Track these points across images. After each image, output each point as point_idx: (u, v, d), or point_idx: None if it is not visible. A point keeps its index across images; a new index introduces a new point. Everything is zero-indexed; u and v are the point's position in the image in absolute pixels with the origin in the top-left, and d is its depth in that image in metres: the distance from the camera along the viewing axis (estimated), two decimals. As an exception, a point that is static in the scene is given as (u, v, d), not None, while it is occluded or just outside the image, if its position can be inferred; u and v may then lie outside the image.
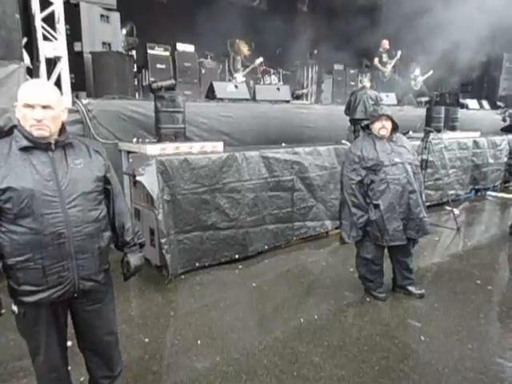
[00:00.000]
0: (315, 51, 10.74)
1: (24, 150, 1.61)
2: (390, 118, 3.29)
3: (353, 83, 10.10)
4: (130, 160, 4.20)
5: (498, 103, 10.16)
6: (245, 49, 7.60)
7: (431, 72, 9.79)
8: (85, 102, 4.46)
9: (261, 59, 7.71)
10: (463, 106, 9.15)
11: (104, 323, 1.93)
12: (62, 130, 1.72)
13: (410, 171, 3.31)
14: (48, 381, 1.85)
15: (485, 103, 10.19)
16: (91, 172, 1.74)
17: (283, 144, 5.65)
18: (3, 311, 1.71)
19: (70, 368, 2.01)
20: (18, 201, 1.55)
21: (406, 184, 3.27)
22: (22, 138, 1.62)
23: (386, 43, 9.30)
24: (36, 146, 1.62)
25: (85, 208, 1.69)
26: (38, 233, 1.58)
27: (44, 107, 1.59)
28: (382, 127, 3.30)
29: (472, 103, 9.67)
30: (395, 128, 3.38)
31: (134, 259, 1.97)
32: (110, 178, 1.87)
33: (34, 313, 1.70)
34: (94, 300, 1.84)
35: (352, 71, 10.34)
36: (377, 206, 3.27)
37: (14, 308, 1.70)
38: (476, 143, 7.62)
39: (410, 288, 3.60)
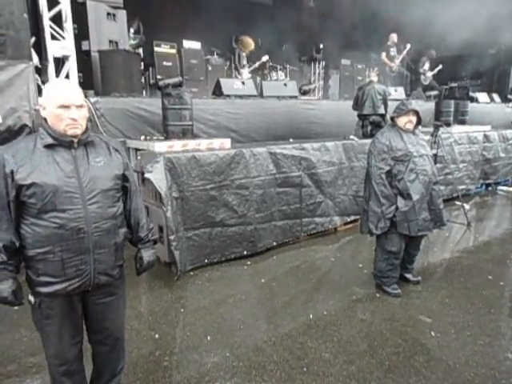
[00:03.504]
0: (322, 46, 10.66)
1: (48, 147, 1.67)
2: (416, 113, 3.33)
3: (360, 78, 10.02)
4: (138, 157, 4.23)
5: (509, 96, 10.01)
6: (250, 45, 7.55)
7: (440, 66, 9.69)
8: (93, 100, 4.49)
9: (267, 57, 7.66)
10: (473, 100, 9.02)
11: (114, 317, 1.97)
12: (86, 128, 1.77)
13: (432, 163, 3.41)
14: (59, 374, 1.86)
15: (495, 96, 10.04)
16: (111, 170, 1.79)
17: (291, 140, 5.64)
18: (24, 301, 1.77)
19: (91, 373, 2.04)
20: (41, 196, 1.61)
21: (431, 175, 3.35)
22: (46, 135, 1.67)
23: (394, 37, 9.20)
24: (60, 143, 1.68)
25: (104, 205, 1.74)
26: (60, 227, 1.64)
27: (78, 107, 1.68)
28: (408, 121, 3.34)
29: (482, 96, 9.53)
30: (419, 122, 3.42)
31: (148, 255, 2.03)
32: (129, 175, 1.92)
33: (49, 304, 1.75)
34: (106, 293, 1.88)
35: (359, 66, 10.26)
36: (408, 196, 3.27)
37: (31, 298, 1.75)
38: (487, 137, 7.51)
39: (407, 275, 3.71)
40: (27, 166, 1.61)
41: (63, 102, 1.64)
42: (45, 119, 1.69)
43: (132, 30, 7.19)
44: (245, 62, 7.61)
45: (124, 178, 1.88)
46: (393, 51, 9.24)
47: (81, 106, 1.69)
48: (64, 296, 1.74)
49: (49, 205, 1.62)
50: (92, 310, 1.89)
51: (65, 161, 1.67)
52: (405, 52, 9.25)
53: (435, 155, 5.65)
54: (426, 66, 9.73)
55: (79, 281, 1.72)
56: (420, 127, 3.57)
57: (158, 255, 4.06)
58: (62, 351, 1.82)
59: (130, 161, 4.62)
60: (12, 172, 1.60)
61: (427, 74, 9.70)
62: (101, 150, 1.80)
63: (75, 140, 1.70)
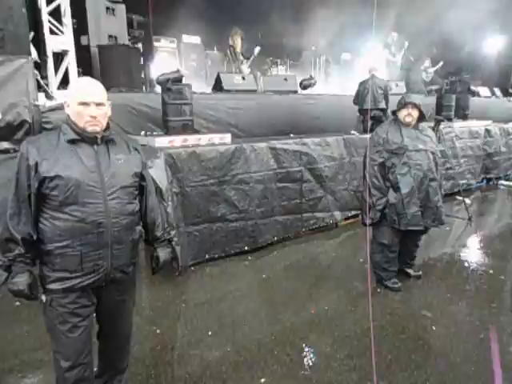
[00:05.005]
0: (323, 40, 10.60)
1: (71, 142, 1.71)
2: (417, 106, 3.30)
3: (361, 72, 9.97)
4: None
5: (511, 90, 9.97)
6: (238, 41, 7.48)
7: (441, 63, 9.65)
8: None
9: (258, 48, 7.63)
10: (474, 94, 8.98)
11: (125, 316, 2.00)
12: (107, 125, 1.81)
13: (432, 159, 3.35)
14: (67, 380, 1.80)
15: (497, 90, 9.98)
16: (130, 167, 1.83)
17: (291, 135, 5.61)
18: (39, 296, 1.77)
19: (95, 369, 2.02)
20: (64, 189, 1.64)
21: (427, 171, 3.29)
22: (69, 131, 1.71)
23: (394, 36, 9.18)
24: (83, 139, 1.72)
25: (123, 201, 1.77)
26: (80, 220, 1.66)
27: (98, 105, 1.71)
28: (407, 114, 3.32)
29: (483, 91, 9.48)
30: (422, 117, 3.38)
31: (164, 254, 2.06)
32: (146, 175, 1.96)
33: (60, 301, 1.74)
34: (120, 291, 1.90)
35: (360, 60, 10.21)
36: (397, 189, 3.27)
37: (42, 297, 1.76)
38: (488, 131, 7.48)
39: (408, 270, 3.72)
40: (51, 159, 1.65)
41: (83, 99, 1.68)
42: (68, 115, 1.74)
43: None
44: (241, 57, 7.56)
45: (141, 177, 1.91)
46: (393, 48, 9.22)
47: (101, 104, 1.72)
48: (79, 291, 1.74)
49: (70, 198, 1.65)
50: (105, 307, 1.89)
51: (87, 156, 1.71)
52: (404, 48, 9.22)
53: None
54: (427, 63, 9.69)
55: (95, 276, 1.73)
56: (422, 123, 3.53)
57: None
58: (73, 353, 1.77)
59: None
60: (36, 164, 1.63)
61: (428, 70, 9.67)
62: (121, 148, 1.84)
63: (98, 136, 1.74)
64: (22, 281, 1.69)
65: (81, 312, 1.77)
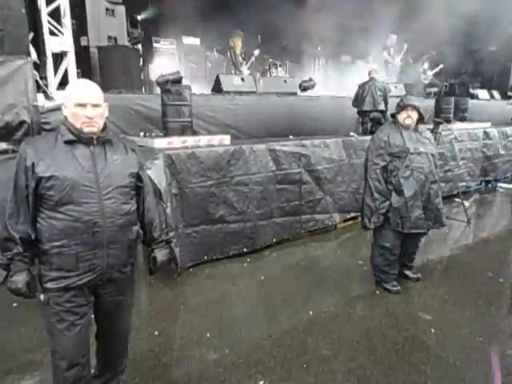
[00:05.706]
0: (322, 42, 10.62)
1: (68, 143, 1.73)
2: (416, 108, 3.30)
3: (360, 74, 10.00)
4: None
5: (509, 93, 9.99)
6: (238, 42, 7.49)
7: (441, 66, 9.68)
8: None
9: (258, 51, 7.64)
10: (473, 97, 9.00)
11: (124, 316, 2.01)
12: (104, 126, 1.83)
13: (432, 162, 3.35)
14: (65, 380, 1.81)
15: (495, 93, 10.00)
16: (127, 168, 1.85)
17: (290, 136, 5.61)
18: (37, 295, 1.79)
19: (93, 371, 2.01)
20: (59, 188, 1.66)
21: (428, 174, 3.30)
22: (67, 132, 1.74)
23: (394, 38, 9.19)
24: (80, 140, 1.74)
25: (118, 201, 1.79)
26: (76, 220, 1.68)
27: (94, 106, 1.74)
28: (407, 117, 3.32)
29: (482, 93, 9.50)
30: (421, 119, 3.38)
31: (161, 255, 2.07)
32: (143, 176, 1.98)
33: (57, 300, 1.75)
34: (118, 291, 1.90)
35: (360, 62, 10.24)
36: (401, 193, 3.26)
37: (41, 296, 1.77)
38: (487, 134, 7.49)
39: (407, 272, 3.71)
40: (48, 159, 1.67)
41: (79, 100, 1.71)
42: (65, 117, 1.76)
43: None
44: (240, 59, 7.57)
45: (138, 177, 1.92)
46: (392, 51, 9.25)
47: (97, 105, 1.75)
48: (75, 290, 1.75)
49: (66, 197, 1.67)
50: (103, 307, 1.90)
51: (83, 156, 1.73)
52: (403, 52, 9.26)
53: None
54: (426, 65, 9.72)
55: (91, 275, 1.75)
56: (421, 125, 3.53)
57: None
58: (71, 352, 1.78)
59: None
60: (33, 164, 1.66)
61: (427, 72, 9.70)
62: (118, 149, 1.86)
63: (94, 137, 1.76)
64: (20, 279, 1.71)
65: (78, 310, 1.78)
